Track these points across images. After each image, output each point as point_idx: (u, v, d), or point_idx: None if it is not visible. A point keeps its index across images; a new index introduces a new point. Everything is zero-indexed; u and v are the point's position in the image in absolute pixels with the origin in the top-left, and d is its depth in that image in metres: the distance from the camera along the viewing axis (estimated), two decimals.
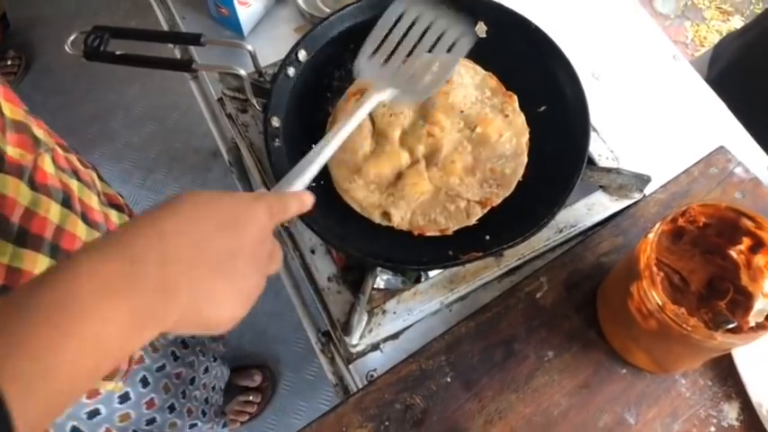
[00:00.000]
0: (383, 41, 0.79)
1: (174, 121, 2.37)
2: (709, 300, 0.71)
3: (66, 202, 0.79)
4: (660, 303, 0.66)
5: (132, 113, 2.39)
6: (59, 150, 0.83)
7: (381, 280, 0.96)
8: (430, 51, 0.78)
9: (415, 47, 0.78)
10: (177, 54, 1.13)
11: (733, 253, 0.72)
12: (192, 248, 0.44)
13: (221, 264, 0.45)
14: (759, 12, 1.33)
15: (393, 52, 0.78)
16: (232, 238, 0.46)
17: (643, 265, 0.68)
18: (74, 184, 0.83)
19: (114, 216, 0.94)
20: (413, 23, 0.79)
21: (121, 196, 1.03)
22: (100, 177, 0.98)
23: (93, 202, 0.88)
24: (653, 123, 1.03)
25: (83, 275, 0.39)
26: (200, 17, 1.12)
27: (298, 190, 0.58)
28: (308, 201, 0.57)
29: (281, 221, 0.55)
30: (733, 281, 0.71)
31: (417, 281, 0.95)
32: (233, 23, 1.07)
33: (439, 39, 0.79)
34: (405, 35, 0.79)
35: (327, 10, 1.10)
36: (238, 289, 0.47)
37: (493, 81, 0.95)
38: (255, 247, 0.48)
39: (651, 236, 0.69)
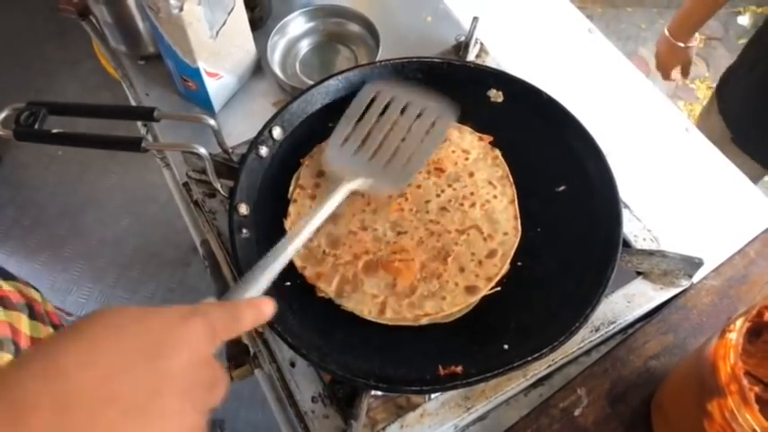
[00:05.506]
0: (354, 129, 0.76)
1: (151, 214, 2.22)
2: None
3: None
4: (759, 430, 0.49)
5: (107, 207, 2.24)
6: None
7: None
8: (404, 139, 0.75)
9: (389, 132, 0.76)
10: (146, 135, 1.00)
11: None
12: (101, 385, 0.35)
13: (141, 403, 0.36)
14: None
15: (366, 139, 0.75)
16: (156, 368, 0.37)
17: (726, 377, 0.51)
18: None
19: None
20: (386, 107, 0.77)
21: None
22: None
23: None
24: (684, 199, 0.89)
25: None
26: (166, 93, 0.99)
27: (253, 297, 0.49)
28: (267, 310, 0.47)
29: (231, 338, 0.43)
30: None
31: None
32: (202, 99, 0.94)
33: (416, 119, 0.76)
34: (377, 120, 0.76)
35: (309, 82, 0.97)
36: None
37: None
38: (188, 377, 0.38)
39: (732, 336, 0.52)
